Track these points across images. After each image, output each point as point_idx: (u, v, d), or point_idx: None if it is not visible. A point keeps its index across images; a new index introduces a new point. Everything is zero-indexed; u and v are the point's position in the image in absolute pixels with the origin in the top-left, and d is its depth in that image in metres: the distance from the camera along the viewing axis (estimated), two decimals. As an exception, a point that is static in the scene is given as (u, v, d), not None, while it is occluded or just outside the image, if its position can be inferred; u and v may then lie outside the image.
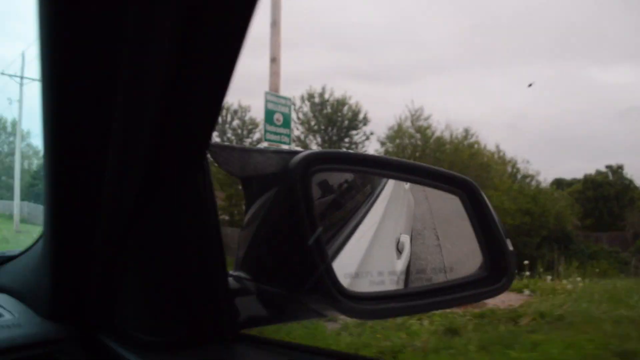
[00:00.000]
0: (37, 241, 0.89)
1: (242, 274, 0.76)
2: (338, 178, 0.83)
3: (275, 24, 8.31)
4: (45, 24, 0.49)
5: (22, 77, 21.11)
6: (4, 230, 20.09)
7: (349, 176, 0.85)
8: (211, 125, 0.60)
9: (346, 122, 24.03)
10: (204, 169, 0.66)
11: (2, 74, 20.65)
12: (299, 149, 0.82)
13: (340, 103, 23.91)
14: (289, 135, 8.66)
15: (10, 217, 22.44)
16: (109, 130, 0.56)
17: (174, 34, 0.50)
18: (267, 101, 8.25)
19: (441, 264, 0.86)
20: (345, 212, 0.83)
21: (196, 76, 0.54)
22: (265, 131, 8.39)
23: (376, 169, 0.85)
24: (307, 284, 0.72)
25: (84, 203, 0.64)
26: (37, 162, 39.34)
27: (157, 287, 0.70)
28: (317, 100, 24.13)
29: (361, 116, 24.00)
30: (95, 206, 0.64)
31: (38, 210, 26.03)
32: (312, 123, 24.08)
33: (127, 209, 0.64)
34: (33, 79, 21.12)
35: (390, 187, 0.90)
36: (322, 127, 23.94)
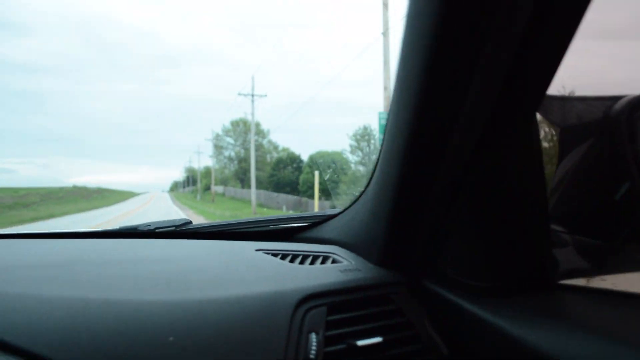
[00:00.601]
0: (355, 201, 1.02)
1: (553, 226, 0.74)
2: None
3: (386, 63, 12.17)
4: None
5: (252, 95, 27.67)
6: (244, 212, 25.10)
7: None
8: (550, 78, 0.60)
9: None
10: (535, 120, 0.66)
11: (239, 94, 28.11)
12: (623, 94, 0.75)
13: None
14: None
15: (249, 202, 27.66)
16: (465, 84, 0.59)
17: None
18: (380, 119, 11.54)
19: None
20: None
21: (547, 31, 0.55)
22: (380, 139, 10.89)
23: None
24: (626, 232, 0.69)
25: (426, 161, 0.69)
26: (276, 155, 46.91)
27: (485, 234, 0.72)
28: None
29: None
30: (435, 162, 0.68)
31: (271, 198, 31.23)
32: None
33: (464, 161, 0.67)
34: (260, 95, 28.72)
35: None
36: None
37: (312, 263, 0.91)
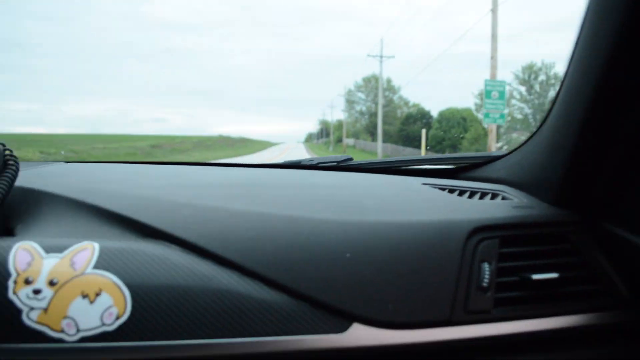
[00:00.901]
0: (525, 142, 0.96)
1: None
2: None
3: (494, 37, 13.15)
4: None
5: (381, 57, 28.53)
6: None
7: None
8: None
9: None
10: None
11: (368, 56, 29.29)
12: None
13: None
14: (503, 104, 12.37)
15: (375, 154, 28.75)
16: None
17: None
18: (486, 85, 12.28)
19: None
20: None
21: None
22: (485, 103, 12.26)
23: None
24: None
25: (618, 102, 0.65)
26: (406, 110, 47.39)
27: None
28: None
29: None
30: (628, 103, 0.65)
31: (397, 151, 32.33)
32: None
33: None
34: (389, 57, 29.95)
35: None
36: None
37: (480, 199, 0.89)
